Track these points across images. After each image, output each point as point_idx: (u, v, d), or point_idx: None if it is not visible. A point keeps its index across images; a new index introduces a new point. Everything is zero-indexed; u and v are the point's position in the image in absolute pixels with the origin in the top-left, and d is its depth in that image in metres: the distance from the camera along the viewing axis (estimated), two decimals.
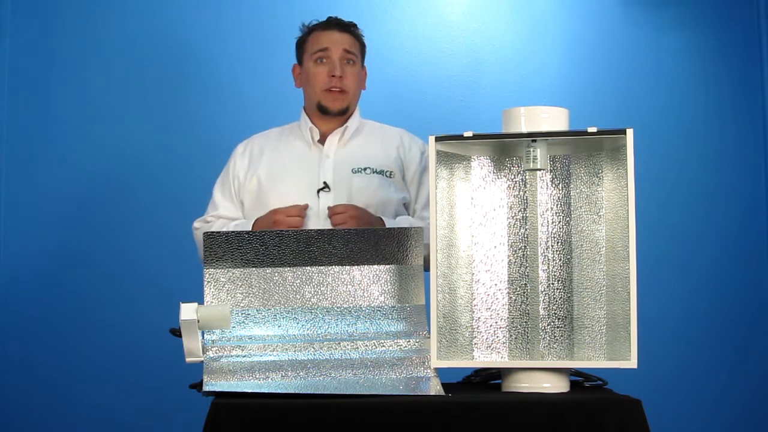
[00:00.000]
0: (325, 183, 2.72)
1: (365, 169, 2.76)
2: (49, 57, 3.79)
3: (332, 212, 2.61)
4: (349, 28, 2.81)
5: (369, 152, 2.80)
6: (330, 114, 2.78)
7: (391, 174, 2.78)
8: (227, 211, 2.82)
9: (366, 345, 2.14)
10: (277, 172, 2.78)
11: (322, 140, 2.81)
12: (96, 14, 3.81)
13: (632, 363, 1.99)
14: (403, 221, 2.70)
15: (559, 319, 2.13)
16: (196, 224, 2.84)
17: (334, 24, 2.81)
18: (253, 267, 2.18)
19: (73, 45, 3.79)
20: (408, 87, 3.83)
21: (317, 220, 2.66)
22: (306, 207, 2.66)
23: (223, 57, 3.82)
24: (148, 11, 3.82)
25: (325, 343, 2.13)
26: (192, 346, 2.05)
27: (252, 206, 2.78)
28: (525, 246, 2.16)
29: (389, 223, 2.65)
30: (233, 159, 2.87)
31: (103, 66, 3.79)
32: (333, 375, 2.07)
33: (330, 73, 2.75)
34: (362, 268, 2.21)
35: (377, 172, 2.76)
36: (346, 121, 2.81)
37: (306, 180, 2.74)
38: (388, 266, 2.21)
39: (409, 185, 2.81)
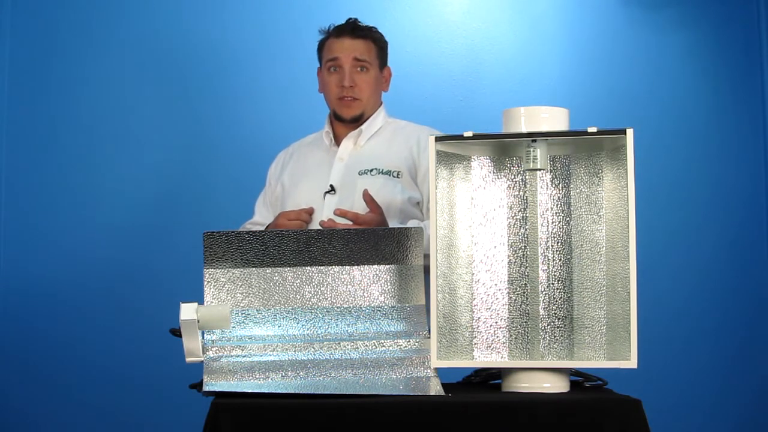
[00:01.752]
0: (331, 186, 2.74)
1: (372, 170, 2.77)
2: (49, 57, 3.79)
3: (339, 213, 2.54)
4: (362, 34, 2.80)
5: (378, 153, 2.81)
6: (344, 121, 2.82)
7: (398, 174, 2.77)
8: (261, 217, 2.90)
9: (366, 345, 2.14)
10: (296, 176, 2.84)
11: (338, 144, 2.84)
12: (96, 15, 3.82)
13: (632, 363, 1.99)
14: (413, 224, 2.69)
15: (559, 319, 2.13)
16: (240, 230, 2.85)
17: (348, 30, 2.80)
18: (253, 267, 2.18)
19: (73, 45, 3.79)
20: (408, 87, 3.83)
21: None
22: (310, 211, 2.67)
23: (226, 60, 3.83)
24: (149, 11, 3.82)
25: (325, 343, 2.13)
26: (192, 346, 2.05)
27: (276, 210, 2.83)
28: (525, 246, 2.16)
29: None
30: (271, 166, 2.96)
31: (103, 66, 3.80)
32: (333, 375, 2.07)
33: (340, 83, 2.77)
34: (362, 268, 2.21)
35: (383, 173, 2.76)
36: (361, 125, 2.83)
37: (318, 184, 2.77)
38: (388, 266, 2.21)
39: (420, 185, 2.80)
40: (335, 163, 2.80)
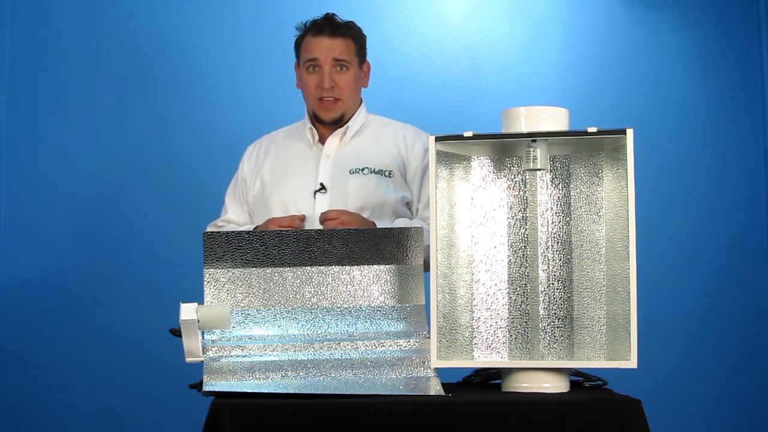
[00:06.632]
0: (321, 184, 2.71)
1: (363, 169, 2.74)
2: (48, 57, 3.79)
3: (324, 218, 2.53)
4: (341, 32, 2.73)
5: (368, 151, 2.77)
6: (324, 123, 2.77)
7: (390, 173, 2.75)
8: (235, 215, 2.82)
9: (366, 345, 2.14)
10: (279, 173, 2.77)
11: (323, 140, 2.79)
12: (95, 13, 3.82)
13: (632, 363, 1.99)
14: (400, 223, 2.67)
15: (559, 319, 2.13)
16: (209, 229, 2.80)
17: (326, 29, 2.73)
18: (253, 267, 2.18)
19: (73, 44, 3.79)
20: (408, 87, 3.83)
21: (313, 223, 2.63)
22: (302, 217, 2.61)
23: (223, 57, 3.83)
24: (148, 11, 3.82)
25: (325, 343, 2.13)
26: (192, 346, 2.05)
27: (255, 208, 2.78)
28: (525, 246, 2.16)
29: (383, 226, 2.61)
30: (242, 161, 2.87)
31: (102, 65, 3.80)
32: (333, 375, 2.07)
33: (320, 84, 2.71)
34: (362, 268, 2.21)
35: (375, 172, 2.74)
36: (344, 124, 2.80)
37: (305, 182, 2.72)
38: (388, 266, 2.21)
39: (410, 184, 2.79)
40: (322, 161, 2.75)
